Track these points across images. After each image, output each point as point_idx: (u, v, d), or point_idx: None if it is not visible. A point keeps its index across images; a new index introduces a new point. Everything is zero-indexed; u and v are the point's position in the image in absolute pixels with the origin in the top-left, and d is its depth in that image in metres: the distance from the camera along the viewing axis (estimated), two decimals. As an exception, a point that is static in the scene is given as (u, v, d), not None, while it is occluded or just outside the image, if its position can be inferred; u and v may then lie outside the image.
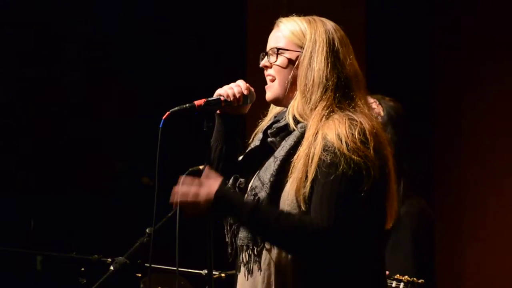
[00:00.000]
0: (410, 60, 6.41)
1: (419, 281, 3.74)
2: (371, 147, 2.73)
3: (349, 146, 2.71)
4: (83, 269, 4.21)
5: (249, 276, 2.86)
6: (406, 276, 3.74)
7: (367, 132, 2.75)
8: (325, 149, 2.72)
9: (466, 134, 6.39)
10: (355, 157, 2.70)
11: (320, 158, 2.72)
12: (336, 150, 2.71)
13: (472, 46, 6.34)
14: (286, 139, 2.85)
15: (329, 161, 2.71)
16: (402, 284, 3.74)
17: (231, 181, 2.92)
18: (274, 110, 2.99)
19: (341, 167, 2.69)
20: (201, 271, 4.27)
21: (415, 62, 6.44)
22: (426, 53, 6.48)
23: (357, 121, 2.76)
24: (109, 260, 4.04)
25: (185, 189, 2.75)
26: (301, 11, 2.98)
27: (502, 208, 6.22)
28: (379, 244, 2.88)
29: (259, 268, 2.82)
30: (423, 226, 4.03)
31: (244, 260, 2.86)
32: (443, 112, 6.49)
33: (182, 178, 2.77)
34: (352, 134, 2.72)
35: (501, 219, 6.21)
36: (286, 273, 2.79)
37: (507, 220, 6.19)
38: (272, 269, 2.81)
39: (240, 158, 3.01)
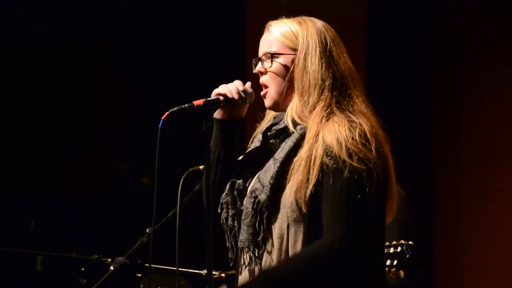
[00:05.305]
0: (410, 59, 6.41)
1: (409, 242, 3.74)
2: (373, 148, 2.71)
3: (350, 150, 2.69)
4: (83, 269, 4.21)
5: (251, 277, 2.83)
6: (394, 241, 3.74)
7: (368, 134, 2.73)
8: (327, 153, 2.71)
9: (465, 131, 6.39)
10: (356, 162, 2.68)
11: (322, 162, 2.70)
12: (337, 156, 2.69)
13: (472, 46, 6.35)
14: (286, 141, 2.84)
15: (332, 167, 2.69)
16: (392, 248, 3.74)
17: (228, 186, 2.90)
18: (272, 112, 2.97)
19: (345, 173, 2.67)
20: (201, 271, 4.27)
21: (415, 61, 6.44)
22: (426, 53, 6.48)
23: (356, 123, 2.74)
24: (109, 260, 4.04)
25: None
26: (301, 11, 2.97)
27: (501, 205, 6.22)
28: (382, 243, 2.84)
29: (260, 270, 2.81)
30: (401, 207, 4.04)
31: (245, 262, 2.85)
32: (443, 110, 6.49)
33: None
34: (352, 137, 2.70)
35: (500, 216, 6.22)
36: None
37: (506, 217, 6.19)
38: None
39: (240, 158, 2.99)
